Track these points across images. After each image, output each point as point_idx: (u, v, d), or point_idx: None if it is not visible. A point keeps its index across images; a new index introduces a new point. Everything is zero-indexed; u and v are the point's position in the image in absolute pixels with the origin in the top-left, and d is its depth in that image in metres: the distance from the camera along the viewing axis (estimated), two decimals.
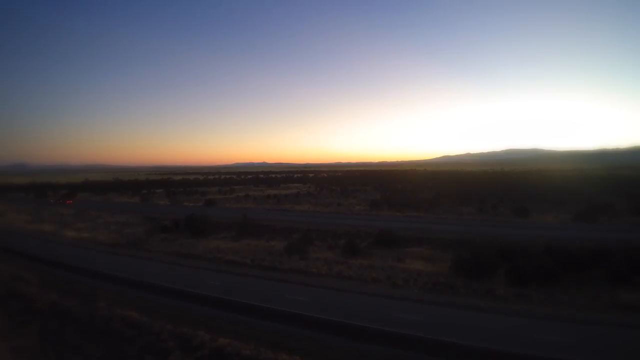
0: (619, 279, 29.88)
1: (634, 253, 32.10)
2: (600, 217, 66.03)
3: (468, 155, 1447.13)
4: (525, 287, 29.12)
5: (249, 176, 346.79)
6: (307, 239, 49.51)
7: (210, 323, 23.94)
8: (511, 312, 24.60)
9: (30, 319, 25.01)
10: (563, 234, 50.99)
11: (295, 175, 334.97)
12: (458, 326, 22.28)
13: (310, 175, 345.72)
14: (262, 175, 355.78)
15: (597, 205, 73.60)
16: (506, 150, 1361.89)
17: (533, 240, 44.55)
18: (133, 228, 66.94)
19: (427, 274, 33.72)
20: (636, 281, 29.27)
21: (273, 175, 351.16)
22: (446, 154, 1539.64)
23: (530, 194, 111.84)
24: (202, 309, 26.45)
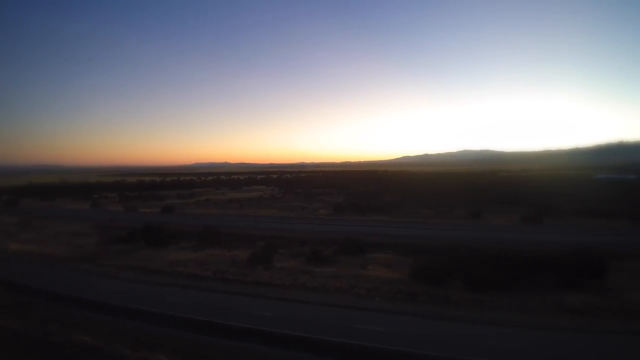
0: (565, 282, 32.30)
1: (578, 256, 34.79)
2: (546, 218, 71.36)
3: (426, 156, 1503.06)
4: (480, 293, 30.82)
5: (210, 177, 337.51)
6: (271, 247, 49.18)
7: (171, 345, 23.13)
8: (466, 319, 25.97)
9: None
10: (513, 236, 54.53)
11: (259, 177, 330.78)
12: (416, 336, 23.29)
13: (274, 176, 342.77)
14: (224, 177, 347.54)
15: (543, 207, 79.50)
16: (461, 151, 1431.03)
17: (487, 244, 47.24)
18: (85, 239, 62.86)
19: (389, 282, 34.73)
20: (580, 284, 31.84)
21: (235, 177, 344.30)
22: (406, 154, 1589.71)
23: (483, 195, 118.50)
24: (162, 330, 25.46)
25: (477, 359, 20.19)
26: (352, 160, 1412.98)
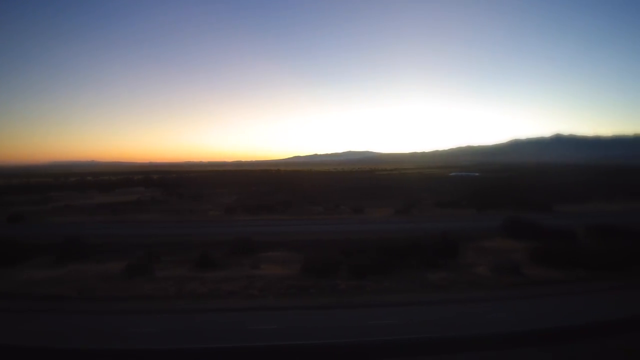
0: (429, 263, 38.15)
1: (438, 241, 41.76)
2: (414, 210, 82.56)
3: (315, 155, 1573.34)
4: (363, 280, 34.03)
5: (73, 179, 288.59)
6: (152, 255, 44.78)
7: None
8: (351, 305, 28.56)
9: None
10: (390, 226, 61.61)
11: (136, 178, 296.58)
12: (306, 327, 24.42)
13: (155, 176, 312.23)
14: (90, 178, 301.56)
15: (412, 201, 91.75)
16: (345, 152, 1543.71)
17: (369, 235, 52.35)
18: None
19: (281, 279, 35.32)
20: (440, 263, 38.19)
21: (106, 178, 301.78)
22: (297, 154, 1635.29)
23: (364, 192, 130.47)
24: None
25: (357, 339, 22.17)
26: (244, 160, 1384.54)
